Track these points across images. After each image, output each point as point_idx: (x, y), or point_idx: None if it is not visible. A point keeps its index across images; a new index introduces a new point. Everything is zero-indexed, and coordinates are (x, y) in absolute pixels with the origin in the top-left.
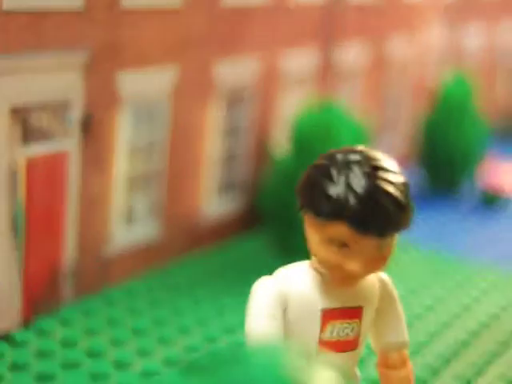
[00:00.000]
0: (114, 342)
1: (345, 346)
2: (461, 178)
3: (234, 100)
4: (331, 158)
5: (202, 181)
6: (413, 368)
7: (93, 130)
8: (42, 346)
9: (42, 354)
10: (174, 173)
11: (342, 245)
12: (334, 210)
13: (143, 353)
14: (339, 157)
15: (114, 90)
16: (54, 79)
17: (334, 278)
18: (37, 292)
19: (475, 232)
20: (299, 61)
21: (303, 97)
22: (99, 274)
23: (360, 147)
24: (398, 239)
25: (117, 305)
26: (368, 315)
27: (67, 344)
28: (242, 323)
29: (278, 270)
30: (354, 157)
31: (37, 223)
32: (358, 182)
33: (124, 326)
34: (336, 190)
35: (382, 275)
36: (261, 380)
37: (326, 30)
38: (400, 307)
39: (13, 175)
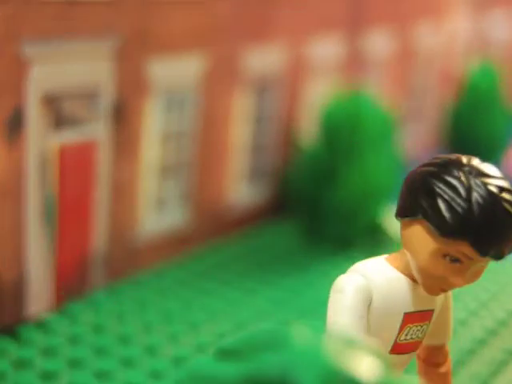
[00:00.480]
0: (144, 328)
1: (413, 347)
2: None
3: (262, 88)
4: (455, 167)
5: (230, 168)
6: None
7: (123, 117)
8: (73, 330)
9: (73, 339)
10: (202, 160)
11: (454, 260)
12: (460, 229)
13: (173, 339)
14: (464, 169)
15: (144, 77)
16: (86, 67)
17: (431, 289)
18: (68, 278)
19: None
20: (326, 49)
21: (330, 85)
22: (129, 260)
23: (476, 159)
24: None
25: (146, 290)
26: (434, 317)
27: (97, 329)
28: (270, 307)
29: (356, 266)
30: (477, 171)
31: (68, 210)
32: (486, 202)
33: (154, 310)
34: (464, 206)
35: None
36: (300, 365)
37: (353, 18)
38: (451, 311)
39: (45, 162)
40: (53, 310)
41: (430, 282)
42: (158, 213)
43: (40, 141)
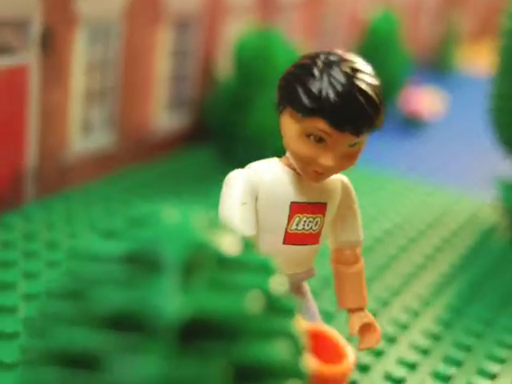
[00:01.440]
0: (69, 235)
1: (308, 238)
2: (385, 103)
3: (183, 24)
4: (313, 58)
5: (153, 97)
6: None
7: (51, 46)
8: (6, 237)
9: (5, 244)
10: (126, 89)
11: (319, 140)
12: (315, 106)
13: None
14: (321, 57)
15: (71, 8)
16: None
17: (306, 173)
18: (2, 190)
19: (393, 147)
20: None
21: (245, 24)
22: (58, 177)
23: (339, 50)
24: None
25: (74, 203)
26: (330, 212)
27: (28, 236)
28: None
29: (249, 164)
30: (334, 58)
31: (0, 130)
32: (339, 81)
33: (80, 221)
34: (318, 86)
35: (344, 178)
36: (169, 238)
37: None
38: (358, 209)
39: None
40: None
41: (303, 166)
42: (85, 135)
43: None
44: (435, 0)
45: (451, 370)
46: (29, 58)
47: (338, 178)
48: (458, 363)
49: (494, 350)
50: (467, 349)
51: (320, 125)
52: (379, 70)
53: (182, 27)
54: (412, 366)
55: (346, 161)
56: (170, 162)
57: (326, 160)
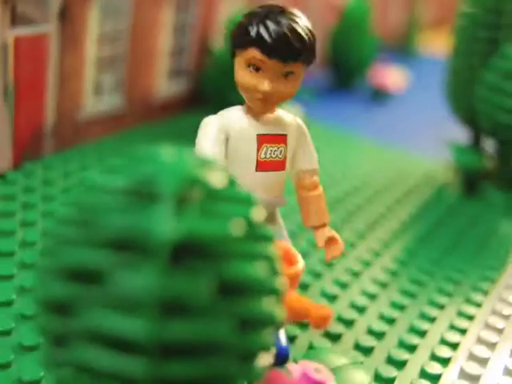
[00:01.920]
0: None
1: (276, 165)
2: (356, 78)
3: (183, 3)
4: (255, 10)
5: (156, 66)
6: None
7: (68, 18)
8: (27, 183)
9: (27, 189)
10: (133, 58)
11: (256, 69)
12: (250, 40)
13: None
14: (263, 8)
15: None
16: None
17: (253, 103)
18: (24, 144)
19: (363, 116)
20: None
21: (238, 4)
22: (73, 133)
23: (281, 5)
24: (302, 80)
25: (87, 156)
26: (290, 143)
27: (46, 183)
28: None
29: (220, 112)
30: (275, 8)
31: (23, 90)
32: (272, 21)
33: (93, 170)
34: (255, 25)
35: (297, 118)
36: (165, 172)
37: None
38: (311, 143)
39: (4, 51)
40: (11, 168)
41: (248, 96)
42: (97, 97)
43: (0, 35)
44: None
45: (406, 301)
46: (49, 28)
47: (293, 118)
48: (411, 295)
49: (441, 285)
50: (419, 284)
51: (255, 54)
52: (352, 50)
53: (183, 6)
54: (372, 296)
55: (282, 88)
56: (170, 122)
57: (263, 85)
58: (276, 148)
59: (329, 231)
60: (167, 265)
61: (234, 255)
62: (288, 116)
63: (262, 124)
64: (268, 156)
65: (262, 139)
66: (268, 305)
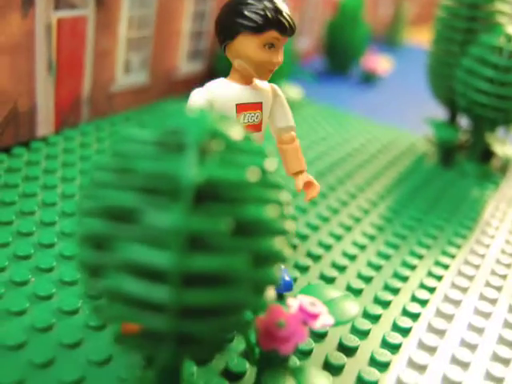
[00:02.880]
0: None
1: (254, 128)
2: (350, 64)
3: None
4: None
5: (178, 48)
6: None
7: (104, 3)
8: (67, 145)
9: (66, 151)
10: (158, 40)
11: (270, 46)
12: (267, 24)
13: None
14: None
15: None
16: None
17: (262, 74)
18: (64, 112)
19: (356, 96)
20: None
21: None
22: (106, 104)
23: None
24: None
25: (117, 124)
26: (266, 109)
27: (82, 146)
28: None
29: (206, 84)
30: None
31: (64, 65)
32: (277, 5)
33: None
34: (261, 10)
35: (273, 84)
36: (190, 126)
37: None
38: (286, 104)
39: (49, 30)
40: (53, 133)
41: (261, 69)
42: (126, 73)
43: (45, 16)
44: None
45: (390, 251)
46: (87, 12)
47: (269, 85)
48: (395, 247)
49: (421, 239)
50: (402, 237)
51: (274, 34)
52: (347, 39)
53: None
54: (362, 247)
55: (281, 56)
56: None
57: (277, 58)
58: (253, 114)
59: (306, 177)
60: (191, 206)
61: (249, 199)
62: (264, 84)
63: (240, 94)
64: (246, 121)
65: (240, 108)
66: (277, 243)
